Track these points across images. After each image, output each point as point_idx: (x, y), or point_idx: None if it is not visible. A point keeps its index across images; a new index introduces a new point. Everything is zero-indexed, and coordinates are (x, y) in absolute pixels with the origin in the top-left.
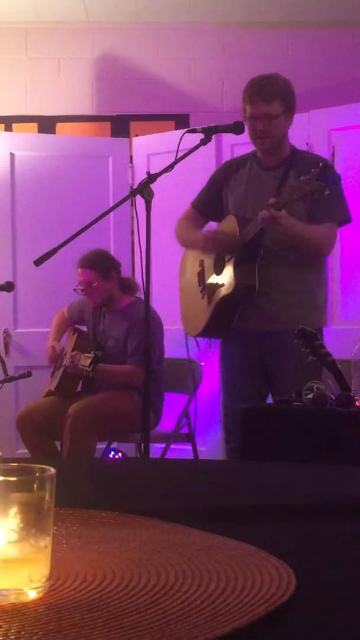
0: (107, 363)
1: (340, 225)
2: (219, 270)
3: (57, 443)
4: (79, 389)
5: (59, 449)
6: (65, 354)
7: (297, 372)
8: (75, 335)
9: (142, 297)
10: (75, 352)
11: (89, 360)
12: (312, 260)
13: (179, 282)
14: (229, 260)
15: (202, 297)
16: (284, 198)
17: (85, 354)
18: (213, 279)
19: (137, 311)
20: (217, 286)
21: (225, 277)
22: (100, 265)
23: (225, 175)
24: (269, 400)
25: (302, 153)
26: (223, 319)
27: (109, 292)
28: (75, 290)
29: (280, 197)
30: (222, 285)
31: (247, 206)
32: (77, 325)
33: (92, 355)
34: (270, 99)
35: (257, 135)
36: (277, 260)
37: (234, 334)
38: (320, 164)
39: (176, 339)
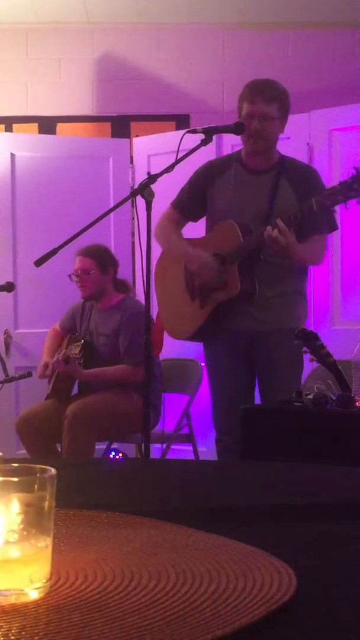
0: (99, 360)
1: (329, 233)
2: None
3: (58, 446)
4: (75, 391)
5: (60, 451)
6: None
7: (284, 371)
8: (67, 337)
9: (135, 296)
10: (64, 350)
11: (79, 348)
12: (296, 266)
13: (155, 287)
14: (229, 265)
15: (192, 300)
16: (309, 206)
17: (75, 343)
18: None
19: (128, 307)
20: (214, 288)
21: (226, 282)
22: (100, 257)
23: (209, 177)
24: (257, 400)
25: (290, 160)
26: (216, 321)
27: (102, 285)
28: (70, 277)
29: (304, 206)
30: (223, 289)
31: (237, 212)
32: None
33: (81, 342)
34: (270, 100)
35: (250, 134)
36: (262, 267)
37: (219, 335)
38: (355, 173)
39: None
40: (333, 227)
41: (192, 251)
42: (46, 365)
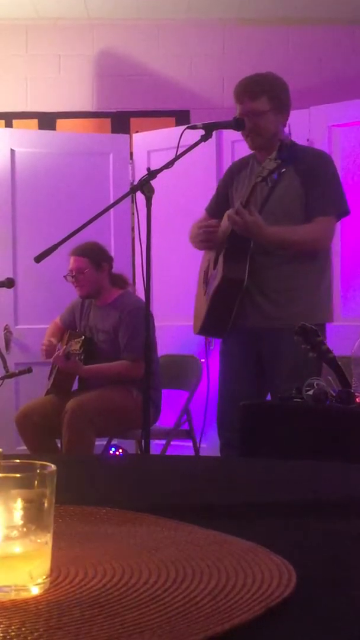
0: (99, 357)
1: (339, 218)
2: (214, 265)
3: (58, 441)
4: (75, 387)
5: (60, 446)
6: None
7: (295, 370)
8: (67, 333)
9: (135, 292)
10: (65, 346)
11: (79, 344)
12: (310, 258)
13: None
14: (220, 254)
15: (204, 294)
16: (245, 193)
17: (75, 339)
18: (212, 273)
19: (127, 303)
20: (212, 280)
21: (217, 271)
22: (93, 254)
23: (230, 178)
24: (267, 397)
25: (301, 147)
26: (219, 314)
27: (99, 282)
28: (65, 277)
29: (243, 195)
30: (215, 278)
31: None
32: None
33: (82, 338)
34: (256, 95)
35: (246, 134)
36: (273, 259)
37: (232, 332)
38: (278, 144)
39: (177, 335)
40: (341, 211)
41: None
42: (50, 341)
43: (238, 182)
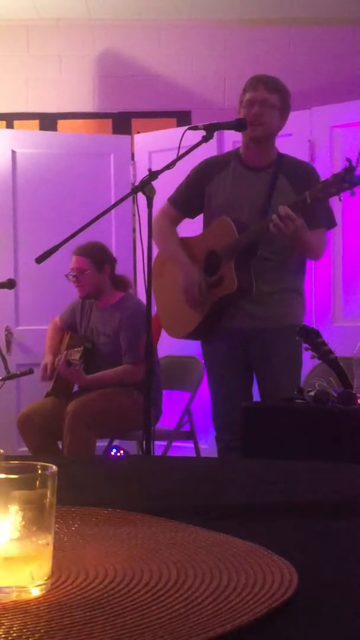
0: (100, 360)
1: (329, 229)
2: (211, 271)
3: (59, 443)
4: (76, 388)
5: (61, 448)
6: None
7: (285, 369)
8: (68, 335)
9: (137, 294)
10: (66, 352)
11: (79, 354)
12: (294, 263)
13: (153, 285)
14: (225, 262)
15: (195, 299)
16: (302, 199)
17: (75, 349)
18: (206, 280)
19: (128, 306)
20: (211, 287)
21: (222, 279)
22: (95, 255)
23: (207, 174)
24: (256, 397)
25: (288, 157)
26: (213, 319)
27: (99, 284)
28: (66, 276)
29: (298, 199)
30: (219, 285)
31: (238, 209)
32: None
33: (82, 348)
34: (272, 89)
35: (250, 121)
36: (259, 263)
37: (218, 334)
38: (347, 165)
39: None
40: (332, 223)
41: (183, 264)
42: (45, 368)
43: (219, 182)
